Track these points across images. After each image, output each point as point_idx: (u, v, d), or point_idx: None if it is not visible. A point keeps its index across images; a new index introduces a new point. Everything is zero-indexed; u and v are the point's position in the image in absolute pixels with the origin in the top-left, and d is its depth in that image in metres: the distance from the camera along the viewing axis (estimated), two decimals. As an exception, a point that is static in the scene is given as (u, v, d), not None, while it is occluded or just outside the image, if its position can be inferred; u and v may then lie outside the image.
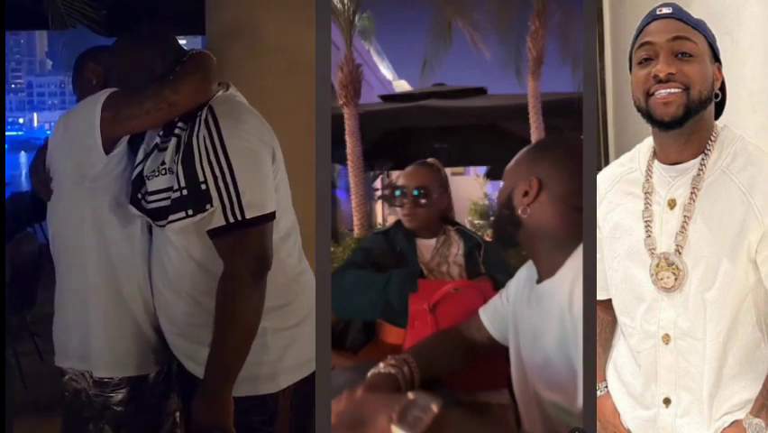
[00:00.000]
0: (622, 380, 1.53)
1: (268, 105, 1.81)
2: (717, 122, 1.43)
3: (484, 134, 6.81)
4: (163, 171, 1.63)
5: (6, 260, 3.63)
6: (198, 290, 1.66)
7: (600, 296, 1.51)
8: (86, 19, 3.24)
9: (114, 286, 1.75)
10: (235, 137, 1.59)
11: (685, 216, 1.37)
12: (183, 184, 1.59)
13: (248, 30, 2.82)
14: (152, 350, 1.81)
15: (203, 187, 1.57)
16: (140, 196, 1.67)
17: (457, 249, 2.16)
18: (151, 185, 1.65)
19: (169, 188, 1.62)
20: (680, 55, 1.35)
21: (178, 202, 1.60)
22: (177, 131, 1.64)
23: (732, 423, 1.39)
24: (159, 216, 1.65)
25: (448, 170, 2.35)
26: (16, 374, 3.13)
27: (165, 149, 1.64)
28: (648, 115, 1.38)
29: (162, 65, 1.70)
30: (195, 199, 1.58)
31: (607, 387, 1.57)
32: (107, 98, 1.68)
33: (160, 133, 1.68)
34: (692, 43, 1.36)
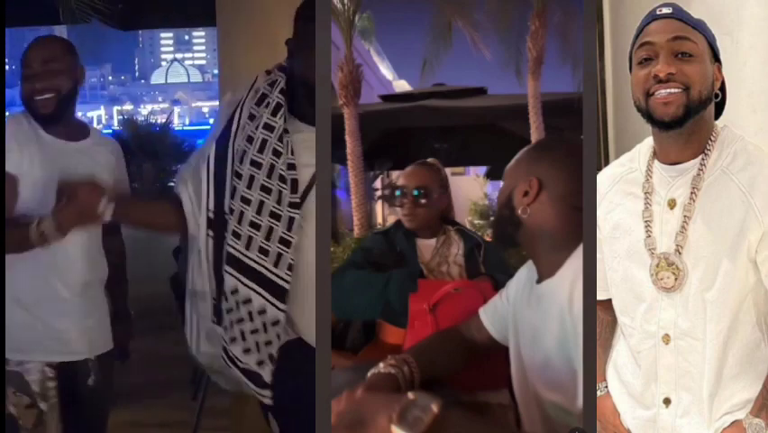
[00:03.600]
0: (622, 380, 1.53)
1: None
2: (717, 122, 1.43)
3: (484, 134, 6.82)
4: None
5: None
6: None
7: (600, 296, 1.51)
8: (96, 12, 3.25)
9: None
10: None
11: (685, 216, 1.37)
12: None
13: (259, 21, 2.78)
14: None
15: None
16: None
17: (457, 249, 2.15)
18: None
19: None
20: (680, 55, 1.35)
21: None
22: None
23: (732, 423, 1.38)
24: None
25: (448, 170, 2.35)
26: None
27: None
28: (648, 115, 1.38)
29: None
30: None
31: (607, 387, 1.57)
32: None
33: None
34: (692, 43, 1.36)
